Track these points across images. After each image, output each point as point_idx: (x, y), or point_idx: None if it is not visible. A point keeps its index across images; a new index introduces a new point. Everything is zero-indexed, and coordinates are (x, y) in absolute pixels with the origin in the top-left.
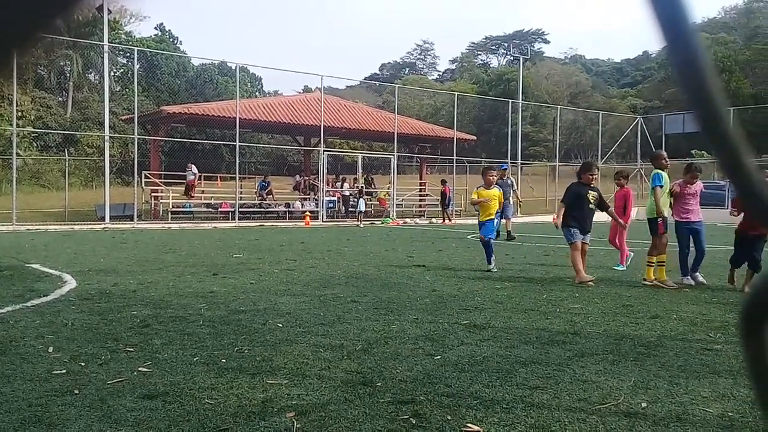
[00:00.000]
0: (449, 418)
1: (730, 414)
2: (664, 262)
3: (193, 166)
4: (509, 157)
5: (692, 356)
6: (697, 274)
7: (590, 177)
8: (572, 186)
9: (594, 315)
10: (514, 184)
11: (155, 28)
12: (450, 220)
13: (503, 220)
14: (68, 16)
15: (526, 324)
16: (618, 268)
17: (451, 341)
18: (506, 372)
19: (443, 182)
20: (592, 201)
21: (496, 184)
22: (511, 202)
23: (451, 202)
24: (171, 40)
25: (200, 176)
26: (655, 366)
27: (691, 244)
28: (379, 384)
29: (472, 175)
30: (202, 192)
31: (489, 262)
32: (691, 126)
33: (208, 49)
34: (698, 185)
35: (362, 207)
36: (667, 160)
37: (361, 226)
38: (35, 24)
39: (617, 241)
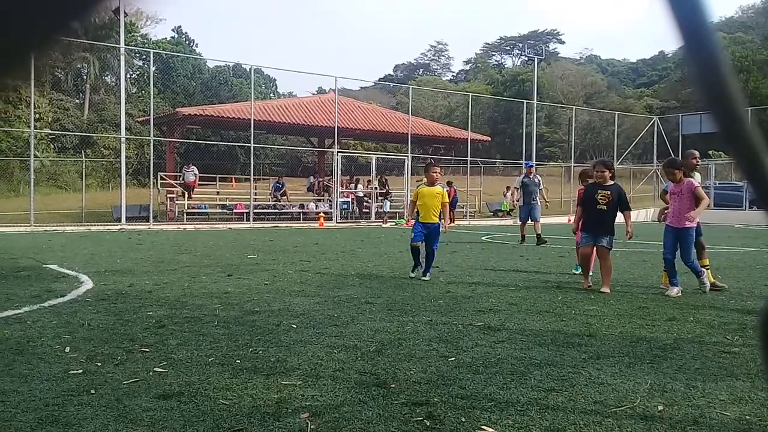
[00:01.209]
0: (463, 420)
1: (747, 417)
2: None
3: (193, 166)
4: (524, 158)
5: (709, 359)
6: (702, 279)
7: (597, 175)
8: (586, 186)
9: (609, 317)
10: (541, 182)
11: (173, 31)
12: (453, 221)
13: (531, 223)
14: (86, 20)
15: (541, 326)
16: (576, 271)
17: (466, 343)
18: (521, 374)
19: (449, 184)
20: (601, 201)
21: (522, 182)
22: (539, 203)
23: (456, 203)
24: (187, 42)
25: (216, 177)
26: (671, 369)
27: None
28: (393, 385)
29: (486, 176)
30: (217, 193)
31: (413, 270)
32: (708, 126)
33: (223, 51)
34: (687, 183)
35: (387, 207)
36: (698, 159)
37: (386, 225)
38: (53, 27)
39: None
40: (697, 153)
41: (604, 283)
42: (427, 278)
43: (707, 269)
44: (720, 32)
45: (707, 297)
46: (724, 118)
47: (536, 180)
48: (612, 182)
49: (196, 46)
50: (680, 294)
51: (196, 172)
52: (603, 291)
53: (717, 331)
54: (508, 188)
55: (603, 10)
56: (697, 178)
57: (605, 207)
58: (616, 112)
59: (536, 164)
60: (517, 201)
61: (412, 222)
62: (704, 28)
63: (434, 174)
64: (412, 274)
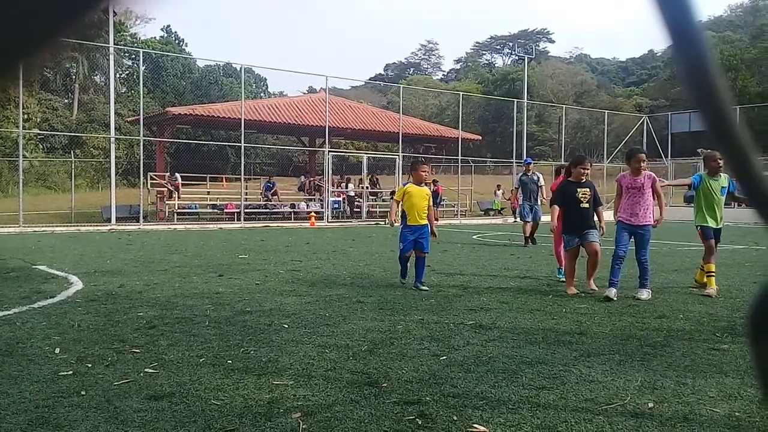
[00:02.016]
0: (455, 418)
1: (737, 414)
2: (709, 271)
3: (176, 174)
4: (515, 157)
5: (699, 356)
6: (645, 290)
7: (581, 172)
8: (560, 185)
9: (600, 315)
10: (541, 179)
11: (162, 30)
12: (437, 219)
13: (528, 224)
14: (81, 22)
15: (532, 324)
16: (560, 276)
17: (457, 341)
18: (512, 372)
19: (434, 182)
20: (583, 200)
21: (520, 180)
22: (539, 203)
23: (442, 202)
24: (176, 41)
25: (207, 177)
26: (661, 366)
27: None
28: (385, 385)
29: (477, 175)
30: (208, 193)
31: (403, 277)
32: (697, 125)
33: (213, 51)
34: (647, 177)
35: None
36: (719, 161)
37: (396, 225)
38: (44, 34)
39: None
40: (716, 154)
41: (589, 277)
42: (426, 289)
43: (711, 276)
44: (708, 31)
45: (697, 294)
46: (713, 116)
47: (535, 177)
48: (584, 179)
49: (186, 45)
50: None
51: (179, 179)
52: (591, 289)
53: (706, 328)
54: (498, 186)
55: (593, 10)
56: (722, 181)
57: (587, 205)
58: (606, 111)
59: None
60: (517, 200)
61: (398, 223)
62: (693, 27)
63: (423, 173)
64: (404, 281)
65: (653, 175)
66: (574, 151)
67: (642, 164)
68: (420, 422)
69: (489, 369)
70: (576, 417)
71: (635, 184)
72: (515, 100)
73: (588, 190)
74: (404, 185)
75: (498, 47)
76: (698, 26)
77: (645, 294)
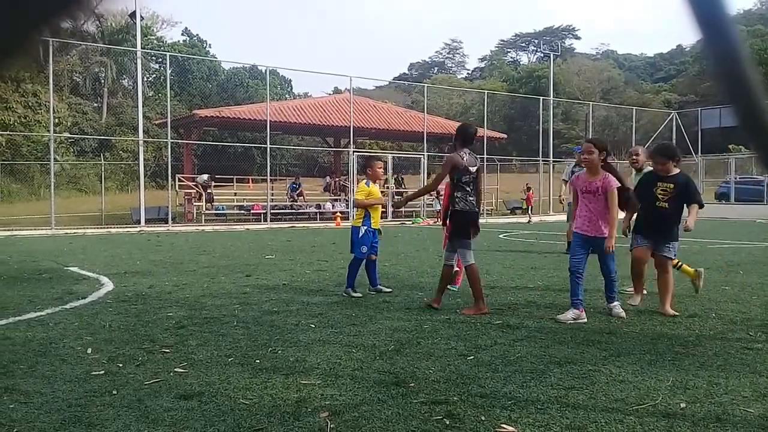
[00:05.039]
0: (483, 418)
1: None
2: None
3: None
4: (541, 155)
5: (732, 355)
6: (615, 303)
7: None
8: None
9: (630, 314)
10: None
11: (183, 33)
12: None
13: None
14: (88, 7)
15: (560, 324)
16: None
17: (484, 341)
18: (541, 372)
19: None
20: (661, 197)
21: (572, 171)
22: None
23: None
24: (201, 44)
25: (233, 178)
26: (693, 366)
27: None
28: (412, 384)
29: (503, 174)
30: (234, 194)
31: (351, 286)
32: (728, 120)
33: (238, 53)
34: (603, 179)
35: (437, 206)
36: None
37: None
38: (51, 11)
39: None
40: None
41: (665, 302)
42: (389, 289)
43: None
44: (739, 25)
45: (729, 293)
46: (745, 111)
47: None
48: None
49: (210, 47)
50: (578, 319)
51: (210, 180)
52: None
53: (739, 327)
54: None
55: (619, 5)
56: None
57: (666, 204)
58: (634, 108)
59: (553, 161)
60: (566, 197)
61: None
62: (724, 20)
63: (379, 170)
64: (357, 292)
65: (611, 179)
66: None
67: (596, 164)
68: (448, 422)
69: (517, 369)
70: (606, 417)
71: (590, 187)
72: (541, 97)
73: (672, 185)
74: (366, 184)
75: (523, 45)
76: (730, 19)
77: (617, 308)
